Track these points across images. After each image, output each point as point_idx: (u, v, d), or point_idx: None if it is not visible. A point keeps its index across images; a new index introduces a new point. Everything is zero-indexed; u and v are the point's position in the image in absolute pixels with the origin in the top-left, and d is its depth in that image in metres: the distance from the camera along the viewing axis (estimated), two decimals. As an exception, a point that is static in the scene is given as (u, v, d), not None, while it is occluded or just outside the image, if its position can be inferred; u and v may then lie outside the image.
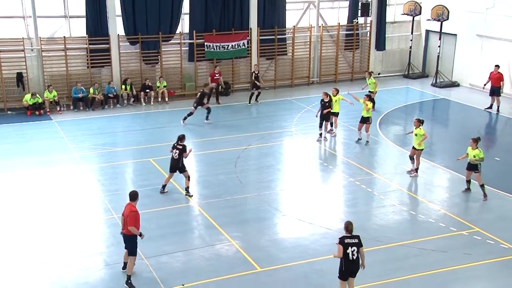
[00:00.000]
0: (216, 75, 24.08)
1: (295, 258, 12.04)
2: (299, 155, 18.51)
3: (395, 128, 20.99)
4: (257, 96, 24.11)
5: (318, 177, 16.49)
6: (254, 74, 24.03)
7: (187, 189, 15.21)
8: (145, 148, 18.79)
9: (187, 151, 14.97)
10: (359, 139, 19.02)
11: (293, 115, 22.32)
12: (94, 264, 11.87)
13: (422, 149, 16.18)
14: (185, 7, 24.89)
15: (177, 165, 15.04)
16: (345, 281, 10.20)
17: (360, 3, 27.26)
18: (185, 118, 21.23)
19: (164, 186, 15.34)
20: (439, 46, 26.84)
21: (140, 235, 10.94)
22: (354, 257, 10.01)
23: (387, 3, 27.96)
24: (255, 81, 23.82)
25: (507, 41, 23.76)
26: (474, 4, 25.41)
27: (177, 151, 14.93)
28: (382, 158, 18.13)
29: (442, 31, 26.37)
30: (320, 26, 27.31)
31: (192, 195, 15.15)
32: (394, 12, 28.69)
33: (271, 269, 11.66)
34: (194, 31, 24.91)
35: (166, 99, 24.40)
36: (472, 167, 14.69)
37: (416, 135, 16.09)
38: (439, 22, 26.11)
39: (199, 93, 21.64)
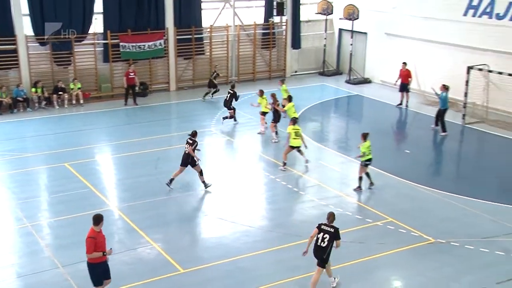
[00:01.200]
0: (131, 74, 23.57)
1: (218, 257, 12.06)
2: (220, 154, 18.54)
3: (313, 124, 21.50)
4: (213, 93, 24.42)
5: (239, 176, 16.60)
6: (214, 73, 24.50)
7: (204, 182, 15.34)
8: (59, 153, 18.08)
9: (195, 149, 15.13)
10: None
11: (212, 114, 22.30)
12: (6, 276, 11.28)
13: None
14: (98, 6, 24.20)
15: (187, 160, 15.17)
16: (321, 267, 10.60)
17: (275, 2, 27.68)
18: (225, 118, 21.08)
19: (171, 180, 15.30)
20: (351, 44, 27.81)
21: (105, 254, 9.97)
22: (323, 244, 10.45)
23: (300, 3, 28.56)
24: (213, 80, 24.27)
25: (413, 39, 25.03)
26: (382, 3, 26.54)
27: (189, 146, 15.10)
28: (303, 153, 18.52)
29: (354, 29, 27.34)
30: (236, 25, 27.47)
31: (210, 185, 15.32)
32: (308, 11, 29.39)
33: (194, 269, 11.60)
34: (108, 31, 24.26)
35: (81, 101, 23.60)
36: (361, 161, 15.17)
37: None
38: (351, 21, 27.06)
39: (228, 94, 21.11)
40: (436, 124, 20.35)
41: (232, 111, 21.02)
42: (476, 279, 11.19)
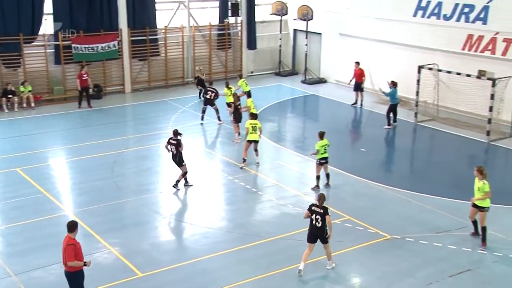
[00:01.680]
0: (84, 76, 23.09)
1: (177, 260, 11.98)
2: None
3: (270, 124, 21.60)
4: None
5: (197, 177, 16.52)
6: (198, 78, 24.33)
7: (179, 181, 15.41)
8: (10, 158, 17.56)
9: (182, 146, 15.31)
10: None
11: (169, 116, 22.11)
12: (-42, 287, 10.88)
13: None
14: (48, 7, 23.61)
15: (174, 159, 15.37)
16: (312, 243, 11.33)
17: (229, 3, 27.68)
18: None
19: (178, 182, 15.43)
20: (306, 45, 28.09)
21: (85, 264, 9.65)
22: (319, 225, 11.20)
23: (255, 3, 28.66)
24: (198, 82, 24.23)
25: (366, 40, 25.51)
26: (335, 4, 26.93)
27: (173, 146, 15.21)
28: (259, 154, 18.58)
29: (308, 30, 27.64)
30: (192, 26, 27.33)
31: (179, 189, 15.39)
32: (263, 12, 29.52)
33: (153, 273, 11.48)
34: (59, 33, 23.71)
35: (32, 104, 22.98)
36: (316, 160, 15.37)
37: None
38: (305, 22, 27.34)
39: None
40: (389, 124, 20.88)
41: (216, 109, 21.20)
42: (430, 273, 11.50)
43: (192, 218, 13.92)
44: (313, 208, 11.33)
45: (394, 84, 20.87)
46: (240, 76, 23.61)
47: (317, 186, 15.45)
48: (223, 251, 12.35)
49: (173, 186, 15.45)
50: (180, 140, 15.42)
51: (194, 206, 14.71)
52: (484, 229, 12.50)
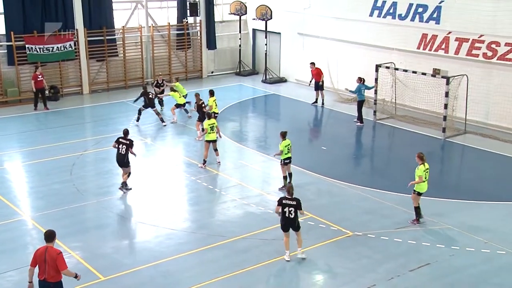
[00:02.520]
0: (39, 77, 22.53)
1: (140, 262, 11.83)
2: (138, 157, 18.15)
3: (231, 124, 21.61)
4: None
5: (159, 179, 16.37)
6: (156, 82, 23.35)
7: (123, 183, 15.20)
8: (-36, 162, 16.99)
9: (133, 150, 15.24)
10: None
11: (129, 117, 21.82)
12: None
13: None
14: (-1, 6, 23.00)
15: (122, 160, 15.12)
16: (287, 232, 11.83)
17: (188, 3, 27.53)
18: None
19: (124, 184, 15.29)
20: (265, 44, 28.22)
21: (76, 276, 9.37)
22: (291, 216, 11.66)
23: (214, 3, 28.62)
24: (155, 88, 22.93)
25: (325, 39, 25.82)
26: (294, 4, 27.14)
27: (124, 146, 15.02)
28: (221, 154, 18.54)
29: (267, 29, 27.77)
30: (150, 26, 27.05)
31: (130, 189, 15.24)
32: (221, 12, 29.50)
33: (116, 276, 11.32)
34: (11, 32, 23.06)
35: (-14, 106, 22.32)
36: (281, 160, 15.39)
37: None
38: (264, 21, 27.46)
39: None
40: (361, 121, 21.27)
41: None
42: (391, 267, 11.74)
43: (155, 219, 13.78)
44: (284, 201, 11.65)
45: (360, 80, 21.18)
46: (177, 79, 23.27)
47: (284, 186, 15.44)
48: (187, 252, 12.28)
49: (120, 188, 15.20)
50: (132, 140, 15.30)
51: (157, 207, 14.56)
52: (416, 208, 13.54)
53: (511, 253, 12.28)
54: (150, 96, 20.85)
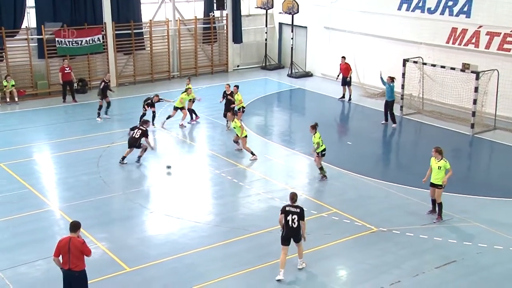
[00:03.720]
0: (66, 69, 22.85)
1: (164, 254, 11.95)
2: (164, 150, 18.33)
3: (257, 118, 21.61)
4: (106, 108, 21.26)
5: (184, 172, 16.48)
6: (103, 83, 21.10)
7: (139, 157, 16.61)
8: (-5, 153, 17.37)
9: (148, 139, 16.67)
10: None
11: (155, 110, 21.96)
12: None
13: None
14: (31, 0, 23.36)
15: (135, 143, 16.50)
16: (286, 246, 10.99)
17: (215, -4, 27.60)
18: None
19: (124, 158, 16.61)
20: (292, 38, 28.10)
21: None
22: (294, 225, 10.86)
23: (241, -3, 28.64)
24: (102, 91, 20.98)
25: (351, 33, 25.58)
26: (321, -2, 26.99)
27: (140, 131, 16.45)
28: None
29: (294, 23, 27.64)
30: (177, 20, 27.18)
31: (140, 164, 16.54)
32: (248, 5, 29.46)
33: (141, 267, 11.45)
34: (42, 26, 23.44)
35: (16, 99, 22.75)
36: (317, 153, 15.48)
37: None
38: (290, 15, 27.33)
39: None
40: (386, 119, 20.55)
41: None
42: (416, 264, 11.61)
43: (180, 212, 13.89)
44: (287, 208, 10.91)
45: (392, 80, 20.10)
46: (189, 79, 21.70)
47: (324, 176, 15.66)
48: (210, 245, 12.35)
49: (136, 161, 16.54)
50: (147, 130, 16.71)
51: (182, 200, 14.67)
52: (440, 205, 13.27)
53: (540, 252, 12.03)
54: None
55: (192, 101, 20.67)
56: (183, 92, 20.47)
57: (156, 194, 15.14)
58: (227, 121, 19.60)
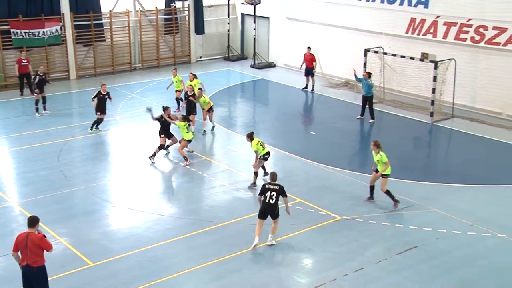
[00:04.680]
0: (24, 61, 22.23)
1: (128, 248, 11.82)
2: (127, 143, 18.10)
3: (220, 110, 21.52)
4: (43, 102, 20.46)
5: (148, 165, 16.31)
6: (38, 77, 20.15)
7: (154, 154, 16.28)
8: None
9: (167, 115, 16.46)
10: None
11: (117, 103, 21.60)
12: None
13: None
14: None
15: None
16: (262, 220, 11.76)
17: (176, -13, 27.28)
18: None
19: (166, 147, 16.63)
20: (254, 29, 28.06)
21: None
22: (272, 201, 11.61)
23: (203, -13, 28.39)
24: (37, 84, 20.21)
25: (313, 23, 25.71)
26: (283, -12, 27.00)
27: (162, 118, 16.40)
28: (210, 140, 18.53)
29: (256, 14, 27.59)
30: (137, 11, 26.77)
31: (154, 162, 16.18)
32: (210, -4, 29.28)
33: (104, 262, 11.31)
34: (-5, 17, 22.75)
35: (-29, 92, 22.05)
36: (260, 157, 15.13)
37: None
38: (253, 6, 27.26)
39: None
40: (362, 114, 20.35)
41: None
42: (379, 251, 11.83)
43: (143, 205, 13.76)
44: (266, 186, 11.73)
45: (369, 75, 19.93)
46: (176, 70, 21.25)
47: (254, 184, 14.74)
48: (175, 237, 12.29)
49: (151, 158, 16.16)
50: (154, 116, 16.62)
51: (145, 193, 14.53)
52: (388, 192, 13.57)
53: (495, 235, 12.41)
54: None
55: (180, 91, 20.57)
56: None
57: (119, 188, 14.95)
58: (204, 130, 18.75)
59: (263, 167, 15.29)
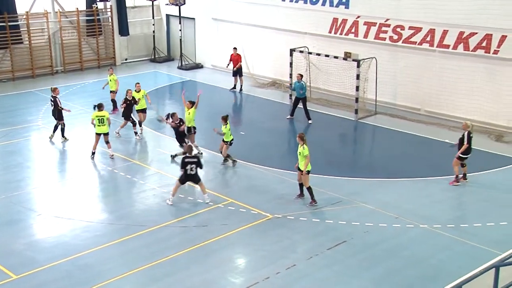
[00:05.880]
0: None
1: (55, 257, 11.40)
2: (50, 150, 17.43)
3: (148, 112, 21.12)
4: None
5: (74, 171, 15.79)
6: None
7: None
8: None
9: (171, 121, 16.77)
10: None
11: (38, 107, 20.83)
12: None
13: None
14: None
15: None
16: (181, 184, 13.69)
17: (97, -13, 26.59)
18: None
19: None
20: (180, 30, 27.84)
21: None
22: (192, 172, 13.49)
23: (125, -12, 27.83)
24: None
25: (239, 24, 25.85)
26: (207, -11, 26.96)
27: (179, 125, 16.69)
28: (138, 143, 18.20)
29: (181, 15, 27.38)
30: (57, 12, 25.85)
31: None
32: (134, -3, 28.76)
33: (29, 273, 10.84)
34: None
35: None
36: (225, 142, 15.93)
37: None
38: (177, 7, 27.04)
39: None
40: (292, 114, 20.54)
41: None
42: (310, 247, 12.07)
43: (71, 213, 13.31)
44: (186, 160, 13.37)
45: (301, 77, 20.21)
46: (112, 70, 21.02)
47: (234, 161, 16.16)
48: (106, 244, 11.99)
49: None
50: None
51: (72, 200, 14.07)
52: (309, 188, 13.79)
53: (418, 226, 13.00)
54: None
55: (114, 92, 20.36)
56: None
57: (44, 195, 14.38)
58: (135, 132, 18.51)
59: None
